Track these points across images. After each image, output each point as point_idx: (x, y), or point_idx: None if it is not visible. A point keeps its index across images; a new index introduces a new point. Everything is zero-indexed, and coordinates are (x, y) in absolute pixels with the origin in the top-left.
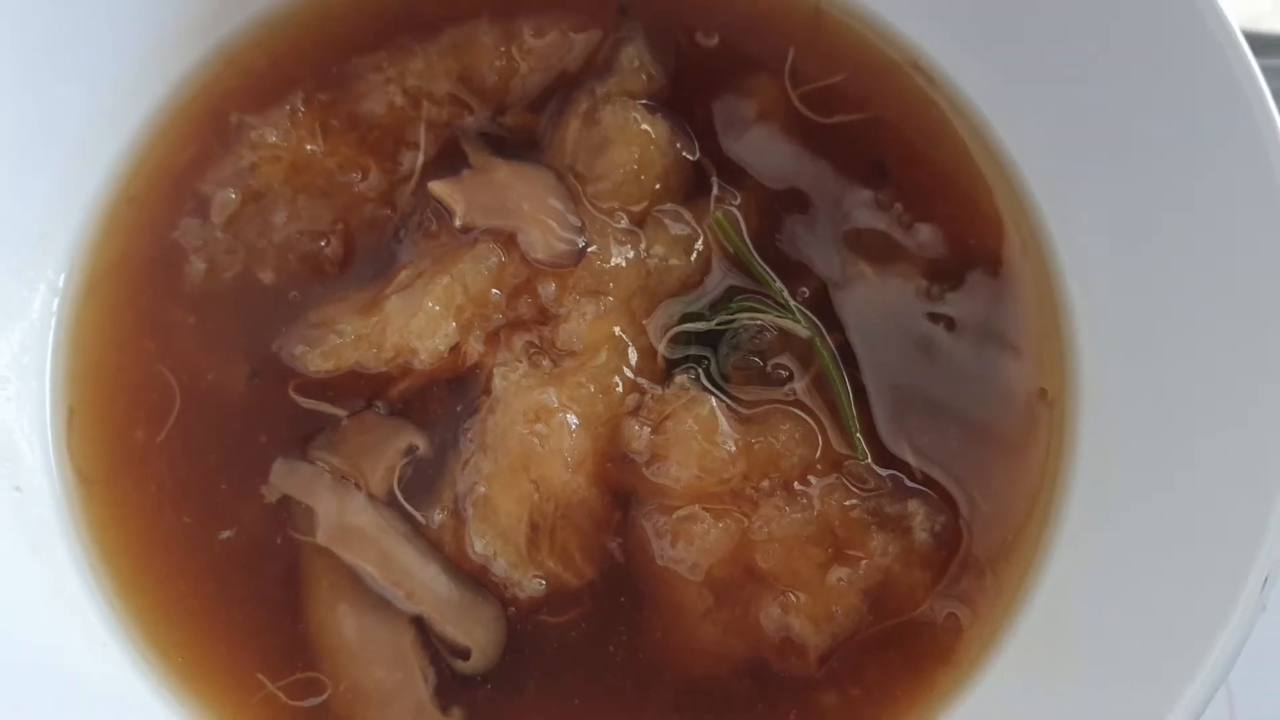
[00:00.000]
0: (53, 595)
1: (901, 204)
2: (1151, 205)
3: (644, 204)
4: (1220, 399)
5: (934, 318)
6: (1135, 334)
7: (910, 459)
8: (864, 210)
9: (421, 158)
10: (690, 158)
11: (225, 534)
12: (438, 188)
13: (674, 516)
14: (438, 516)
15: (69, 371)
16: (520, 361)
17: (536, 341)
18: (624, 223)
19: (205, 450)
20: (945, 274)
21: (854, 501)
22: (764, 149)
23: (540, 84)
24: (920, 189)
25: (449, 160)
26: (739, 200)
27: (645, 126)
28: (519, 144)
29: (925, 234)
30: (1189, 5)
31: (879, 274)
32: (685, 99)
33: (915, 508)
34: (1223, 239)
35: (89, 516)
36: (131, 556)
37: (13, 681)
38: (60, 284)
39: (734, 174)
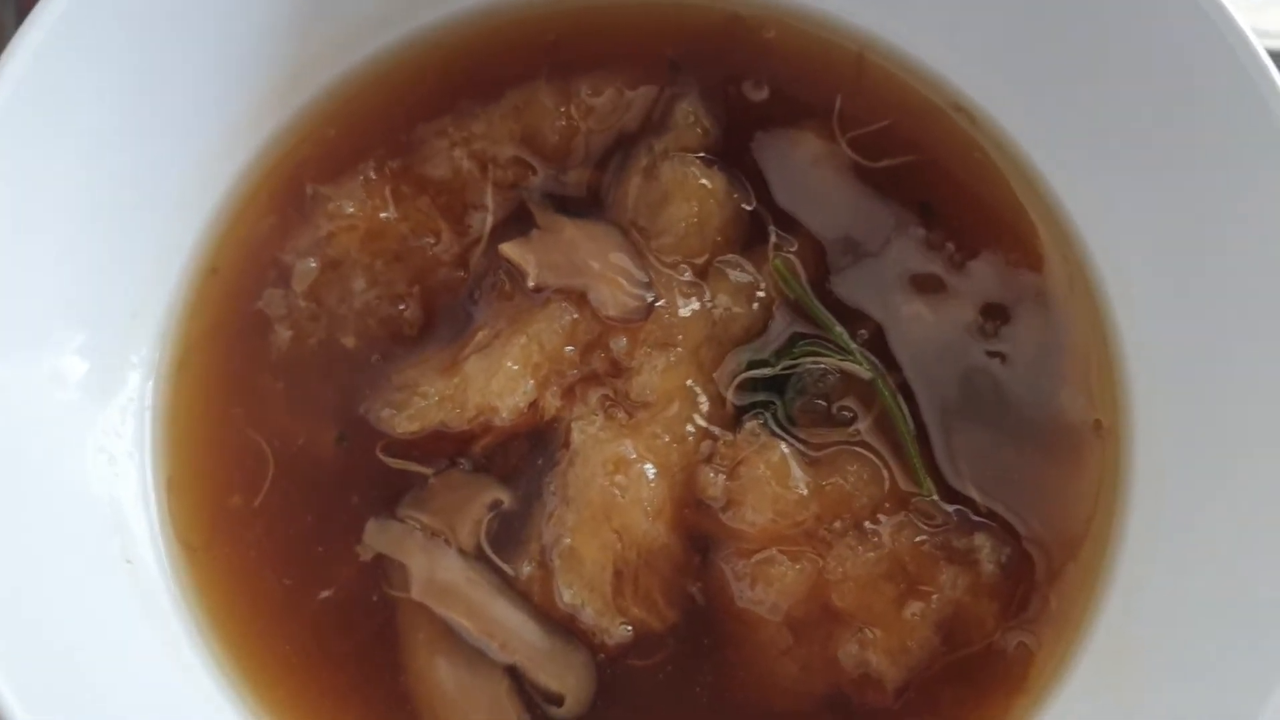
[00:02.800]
0: (170, 663)
1: (953, 243)
2: (1195, 234)
3: (705, 256)
4: (1271, 418)
5: (989, 354)
6: (1184, 360)
7: (974, 493)
8: (916, 251)
9: (490, 220)
10: (747, 208)
11: (324, 594)
12: (509, 250)
13: (752, 560)
14: (526, 568)
15: (166, 442)
16: (596, 414)
17: (611, 394)
18: (688, 275)
19: (300, 513)
20: (997, 310)
21: (923, 537)
22: (816, 195)
23: (600, 142)
24: (969, 227)
25: (516, 221)
26: (795, 247)
27: (704, 180)
28: (583, 202)
29: (976, 272)
30: (1226, 42)
31: (934, 313)
32: (739, 150)
33: (982, 540)
34: (1268, 263)
35: (194, 583)
36: (237, 620)
37: None
38: (153, 358)
39: (789, 221)
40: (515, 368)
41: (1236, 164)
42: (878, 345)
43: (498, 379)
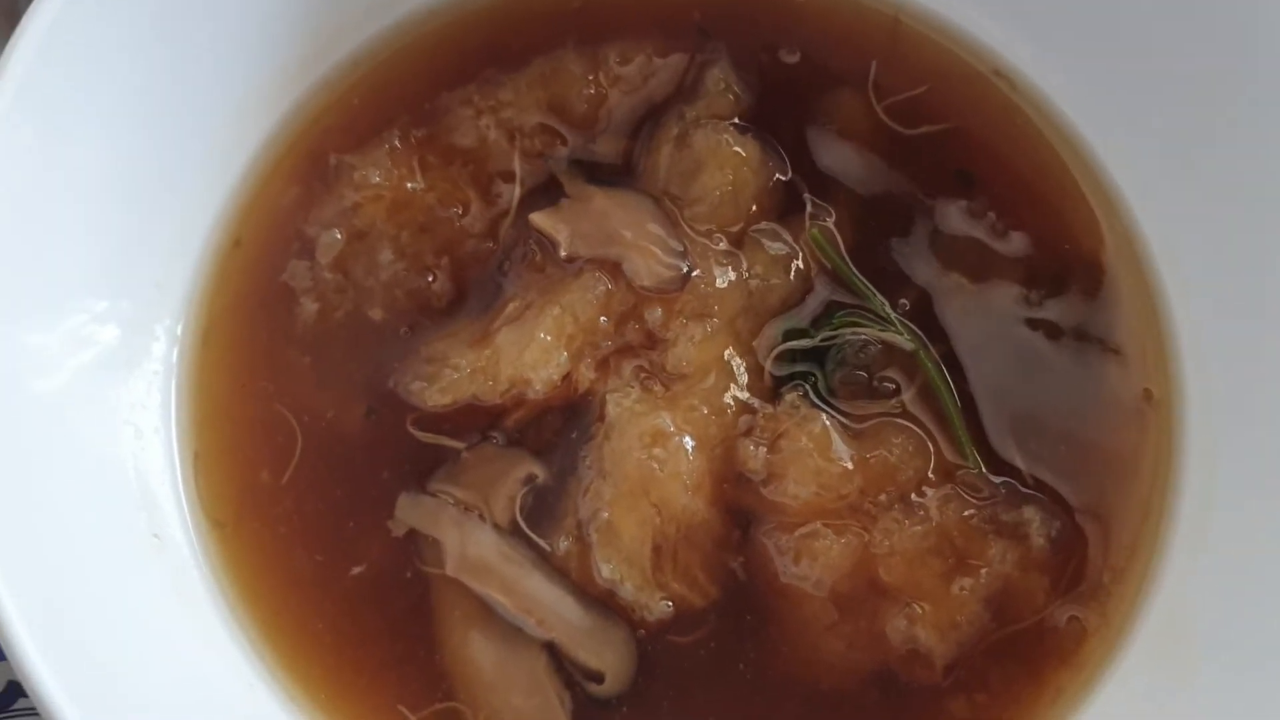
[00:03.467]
0: (201, 641)
1: (994, 212)
2: (1245, 200)
3: (740, 225)
4: None
5: (1034, 323)
6: (1235, 329)
7: (1021, 465)
8: (957, 220)
9: (518, 190)
10: (783, 177)
11: (356, 570)
12: (540, 219)
13: (796, 534)
14: (562, 543)
15: (192, 417)
16: (632, 387)
17: (646, 366)
18: (723, 245)
19: (330, 488)
20: (1042, 280)
21: (970, 511)
22: (853, 163)
23: (629, 110)
24: (1011, 195)
25: (545, 191)
26: (833, 216)
27: (737, 148)
28: (613, 171)
29: (1019, 241)
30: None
31: (976, 283)
32: (772, 117)
33: (1031, 514)
34: None
35: (224, 560)
36: (268, 597)
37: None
38: (178, 331)
39: (825, 190)
40: (548, 339)
41: None
42: (921, 315)
43: (530, 350)
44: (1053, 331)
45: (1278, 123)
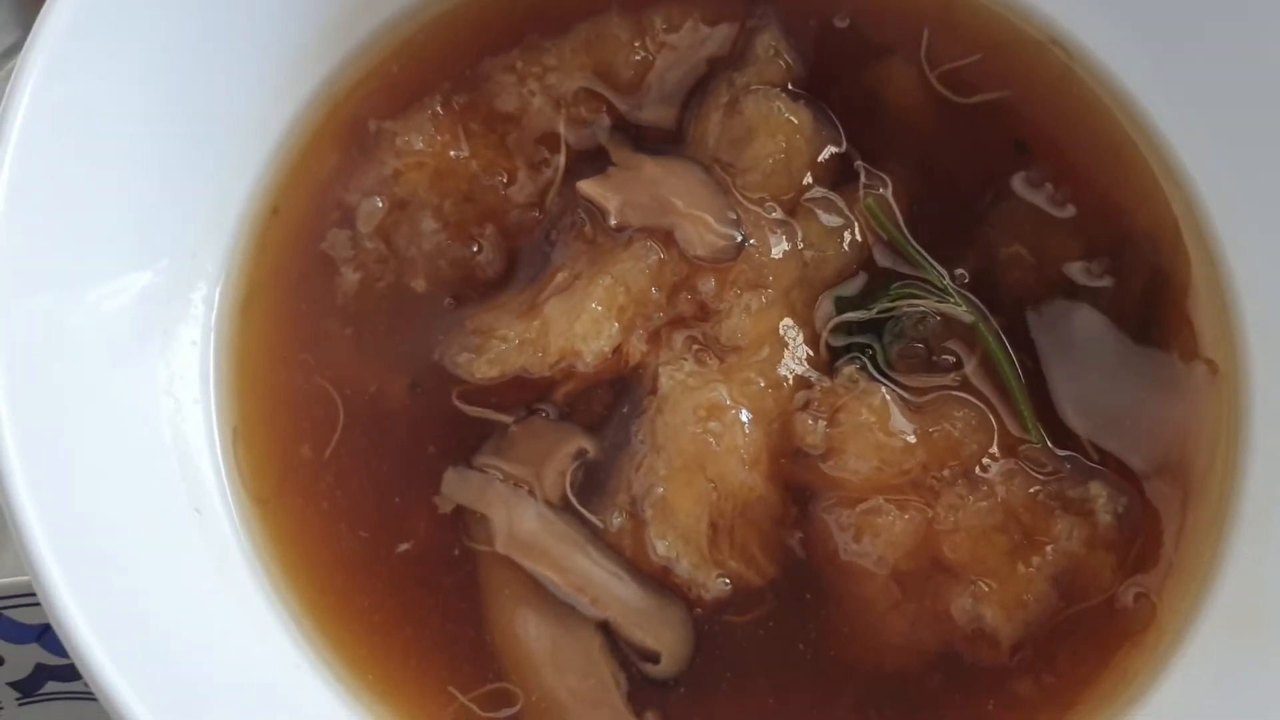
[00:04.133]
0: (244, 618)
1: (1052, 181)
2: None
3: (793, 194)
4: None
5: (1094, 294)
6: None
7: (1085, 439)
8: (1015, 190)
9: (564, 157)
10: (837, 147)
11: (402, 547)
12: (588, 187)
13: (857, 510)
14: (615, 520)
15: (231, 390)
16: (685, 359)
17: (699, 338)
18: (776, 214)
19: (374, 463)
20: (1102, 250)
21: (1035, 487)
22: (907, 132)
23: (677, 77)
24: (1069, 166)
25: (591, 159)
26: (889, 186)
27: (789, 115)
28: (661, 138)
29: (1078, 210)
30: None
31: (1035, 254)
32: (823, 85)
33: (1098, 490)
34: None
35: (265, 536)
36: (311, 574)
37: (209, 698)
38: (215, 301)
39: (879, 160)
40: (599, 309)
41: None
42: (979, 287)
43: (581, 321)
44: (1114, 303)
45: None
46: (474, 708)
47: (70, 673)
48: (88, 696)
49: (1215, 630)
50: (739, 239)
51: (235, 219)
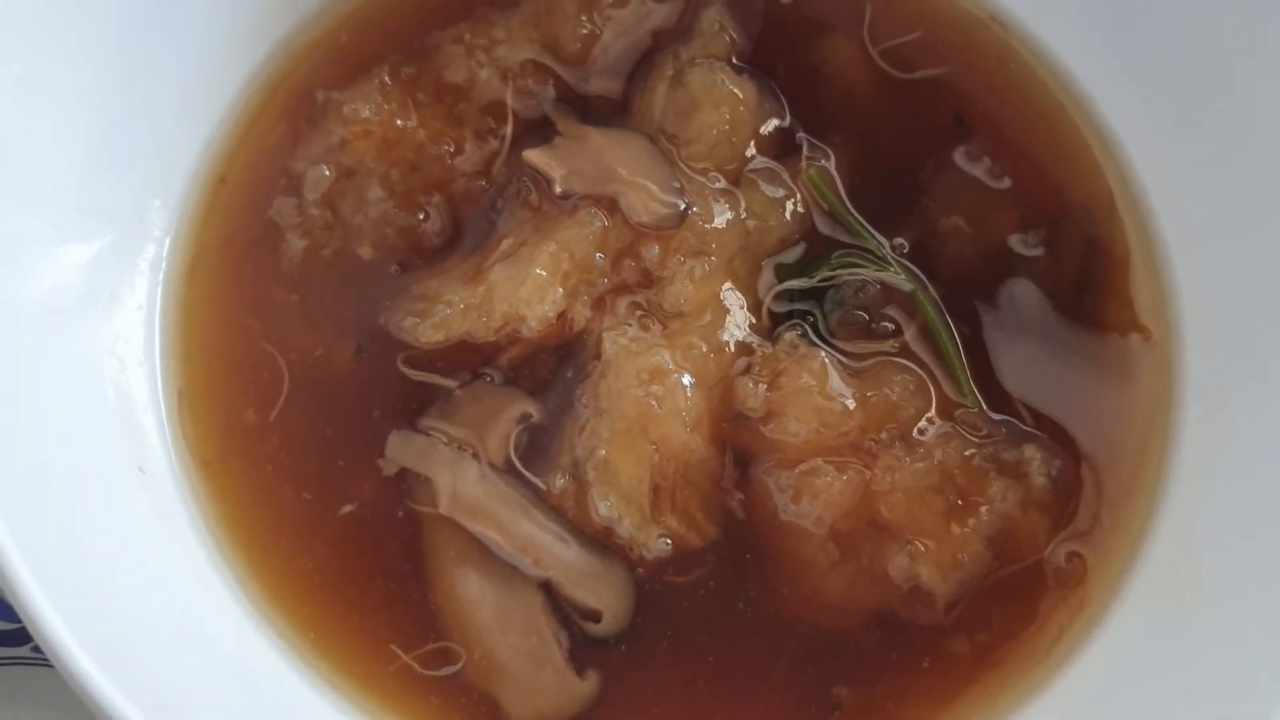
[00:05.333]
0: (187, 574)
1: (989, 155)
2: (1242, 138)
3: (737, 165)
4: None
5: (1031, 263)
6: (1232, 268)
7: (1020, 404)
8: (953, 163)
9: (511, 128)
10: (780, 120)
11: (346, 509)
12: (534, 156)
13: (796, 471)
14: (558, 482)
15: (176, 353)
16: (629, 324)
17: (643, 304)
18: (720, 184)
19: (318, 427)
20: (1039, 221)
21: (971, 449)
22: (849, 107)
23: (622, 50)
24: (1007, 140)
25: (537, 130)
26: (831, 159)
27: (733, 88)
28: (606, 111)
29: (1015, 184)
30: None
31: (973, 224)
32: (768, 61)
33: (1032, 453)
34: None
35: (210, 497)
36: (255, 535)
37: (155, 653)
38: (162, 265)
39: (822, 133)
40: (544, 275)
41: None
42: (919, 257)
43: (526, 287)
44: (1050, 273)
45: (1277, 63)
46: (415, 665)
47: (14, 638)
48: (31, 662)
49: (1145, 591)
50: (682, 207)
51: (182, 186)
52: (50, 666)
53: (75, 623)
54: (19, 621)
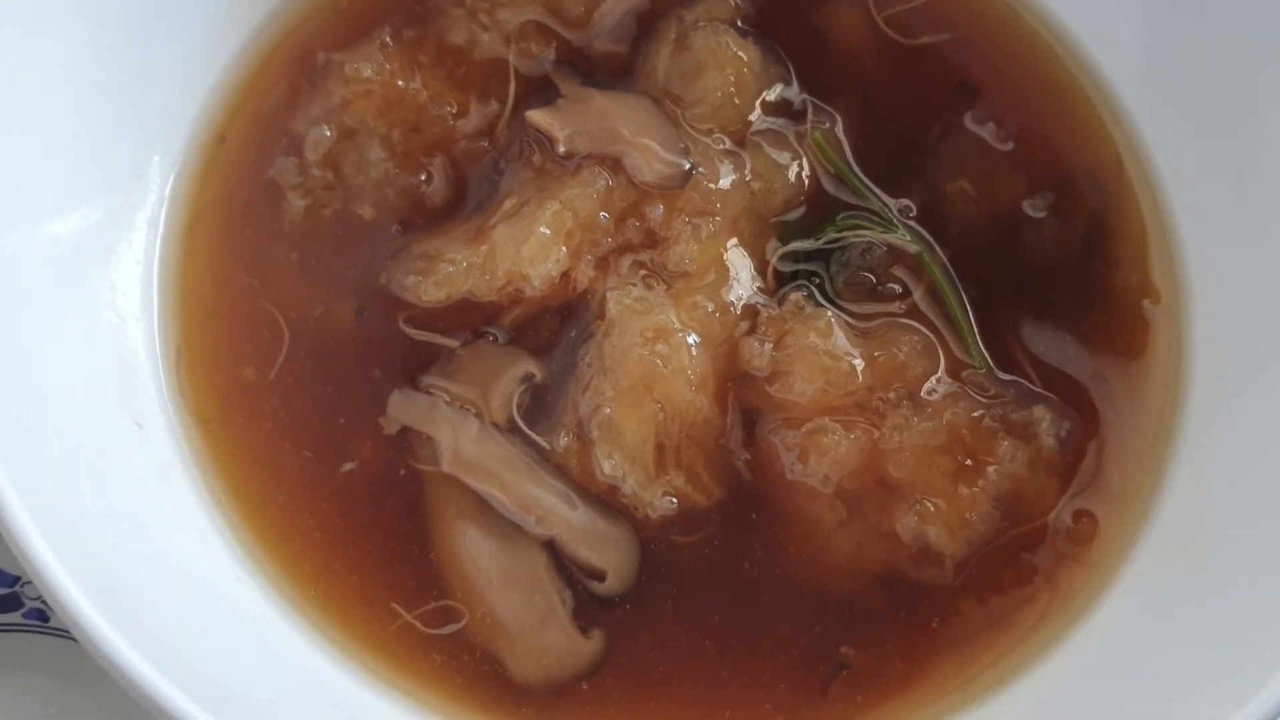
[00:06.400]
0: (185, 529)
1: (996, 120)
2: (1249, 106)
3: (741, 126)
4: None
5: (1039, 227)
6: (1239, 234)
7: (1028, 367)
8: (960, 127)
9: (513, 89)
10: (785, 84)
11: (347, 467)
12: (537, 116)
13: (802, 430)
14: (562, 440)
15: (174, 311)
16: (633, 284)
17: (647, 264)
18: (725, 145)
19: (319, 386)
20: (1046, 185)
21: (980, 410)
22: (854, 71)
23: (625, 13)
24: (1014, 105)
25: (540, 92)
26: (838, 121)
27: (738, 50)
28: (609, 73)
29: (1022, 148)
30: None
31: (980, 188)
32: (772, 24)
33: (1040, 413)
34: None
35: (208, 453)
36: (254, 492)
37: (155, 605)
38: (160, 223)
39: (828, 96)
40: (547, 233)
41: None
42: (927, 220)
43: (529, 245)
44: (1058, 236)
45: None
46: (417, 624)
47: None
48: (23, 629)
49: (1155, 552)
50: (687, 166)
51: (182, 145)
52: (43, 634)
53: (77, 572)
54: (10, 586)
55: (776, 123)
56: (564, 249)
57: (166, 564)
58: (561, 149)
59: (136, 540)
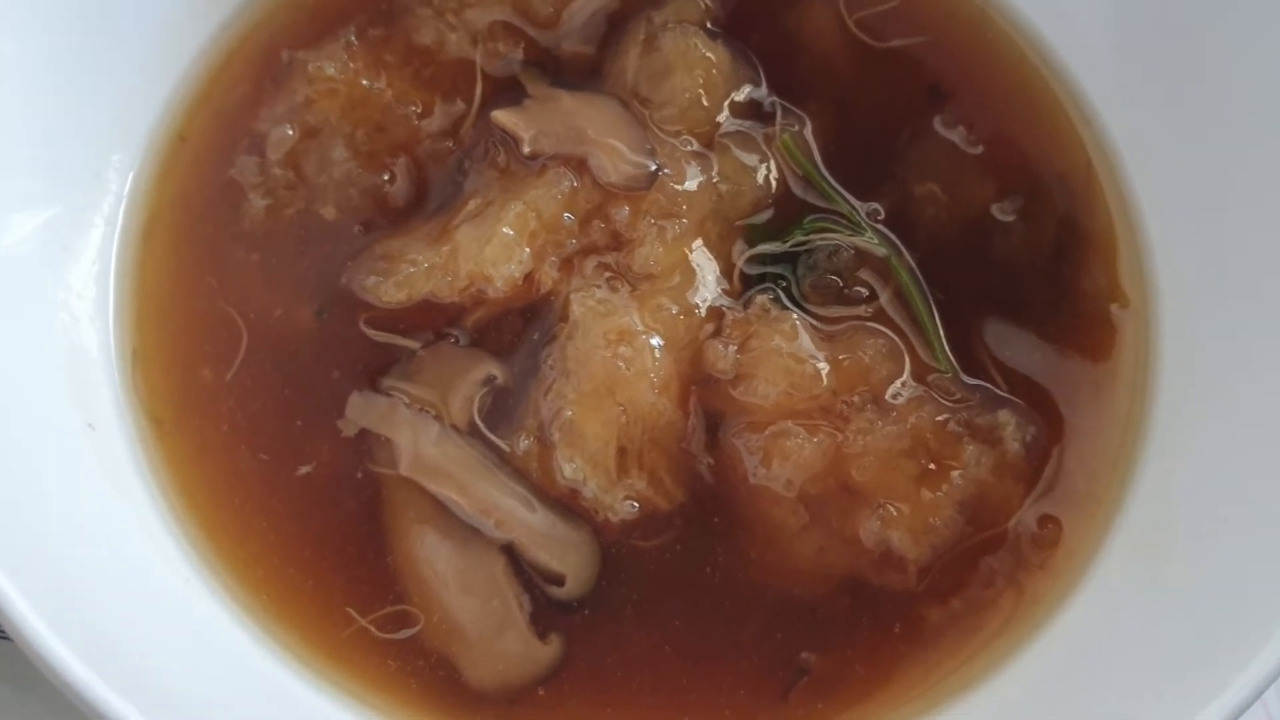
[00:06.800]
0: (136, 531)
1: (965, 124)
2: (1219, 110)
3: (709, 128)
4: None
5: (1008, 231)
6: (1207, 239)
7: (995, 371)
8: (929, 131)
9: (480, 90)
10: (755, 86)
11: (304, 469)
12: (502, 116)
13: (765, 433)
14: (523, 443)
15: (131, 311)
16: (597, 286)
17: (612, 266)
18: (692, 146)
19: (277, 387)
20: (1016, 189)
21: (945, 414)
22: (825, 74)
23: (594, 13)
24: (983, 109)
25: (507, 93)
26: (807, 124)
27: (707, 52)
28: (577, 74)
29: (992, 152)
30: None
31: (949, 192)
32: (743, 27)
33: (1006, 418)
34: None
35: (162, 456)
36: (209, 494)
37: (103, 611)
38: (118, 222)
39: (797, 99)
40: (510, 234)
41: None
42: (895, 223)
43: (491, 246)
44: (1027, 240)
45: (1253, 35)
46: (372, 629)
47: None
48: None
49: (1120, 556)
50: (653, 168)
51: (141, 144)
52: None
53: (14, 571)
54: None
55: (745, 125)
56: (527, 250)
57: (116, 566)
58: (526, 149)
59: (85, 541)
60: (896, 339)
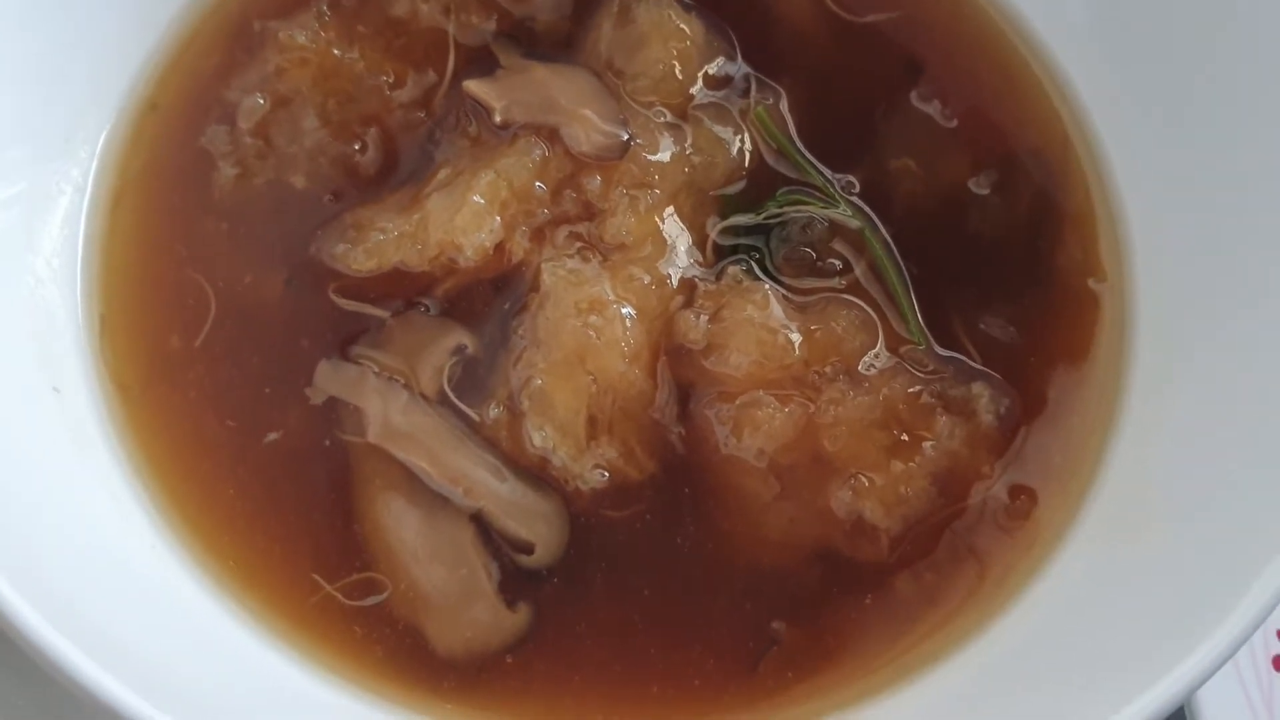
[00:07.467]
0: (102, 497)
1: (941, 98)
2: (1196, 86)
3: (682, 100)
4: (1271, 269)
5: (983, 205)
6: (1185, 215)
7: (969, 344)
8: (905, 105)
9: (452, 61)
10: (729, 59)
11: (271, 437)
12: (474, 86)
13: (736, 403)
14: (493, 412)
15: (99, 278)
16: (569, 256)
17: (584, 236)
18: (666, 117)
19: (245, 355)
20: (991, 163)
21: (918, 386)
22: (801, 48)
23: None
24: (960, 83)
25: (480, 63)
26: (782, 97)
27: (681, 24)
28: (551, 46)
29: (968, 126)
30: None
31: (924, 166)
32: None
33: (979, 390)
34: (1265, 117)
35: (128, 422)
36: (175, 461)
37: (66, 574)
38: (87, 189)
39: (772, 72)
40: (481, 203)
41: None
42: (869, 196)
43: (462, 214)
44: (1003, 215)
45: (1230, 11)
46: (339, 596)
47: None
48: None
49: (1093, 531)
50: (625, 137)
51: (112, 111)
52: None
53: None
54: None
55: (719, 96)
56: (498, 219)
57: (80, 531)
58: (498, 119)
59: (49, 506)
60: (870, 311)
